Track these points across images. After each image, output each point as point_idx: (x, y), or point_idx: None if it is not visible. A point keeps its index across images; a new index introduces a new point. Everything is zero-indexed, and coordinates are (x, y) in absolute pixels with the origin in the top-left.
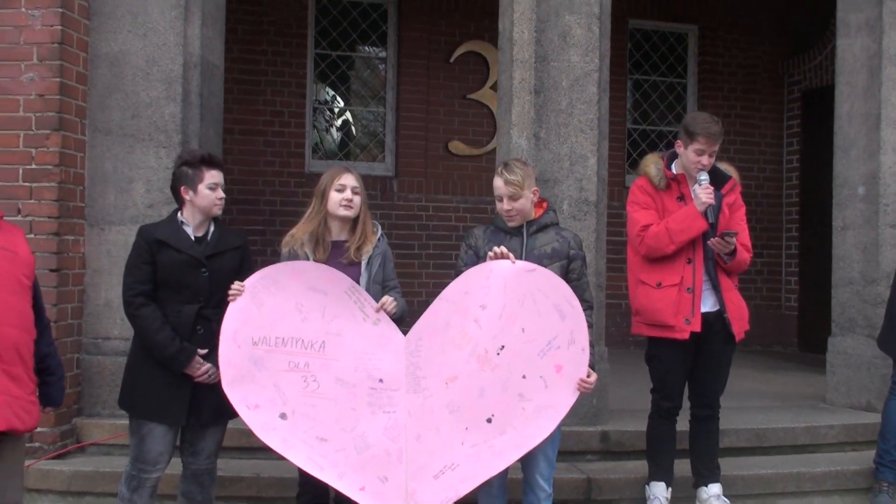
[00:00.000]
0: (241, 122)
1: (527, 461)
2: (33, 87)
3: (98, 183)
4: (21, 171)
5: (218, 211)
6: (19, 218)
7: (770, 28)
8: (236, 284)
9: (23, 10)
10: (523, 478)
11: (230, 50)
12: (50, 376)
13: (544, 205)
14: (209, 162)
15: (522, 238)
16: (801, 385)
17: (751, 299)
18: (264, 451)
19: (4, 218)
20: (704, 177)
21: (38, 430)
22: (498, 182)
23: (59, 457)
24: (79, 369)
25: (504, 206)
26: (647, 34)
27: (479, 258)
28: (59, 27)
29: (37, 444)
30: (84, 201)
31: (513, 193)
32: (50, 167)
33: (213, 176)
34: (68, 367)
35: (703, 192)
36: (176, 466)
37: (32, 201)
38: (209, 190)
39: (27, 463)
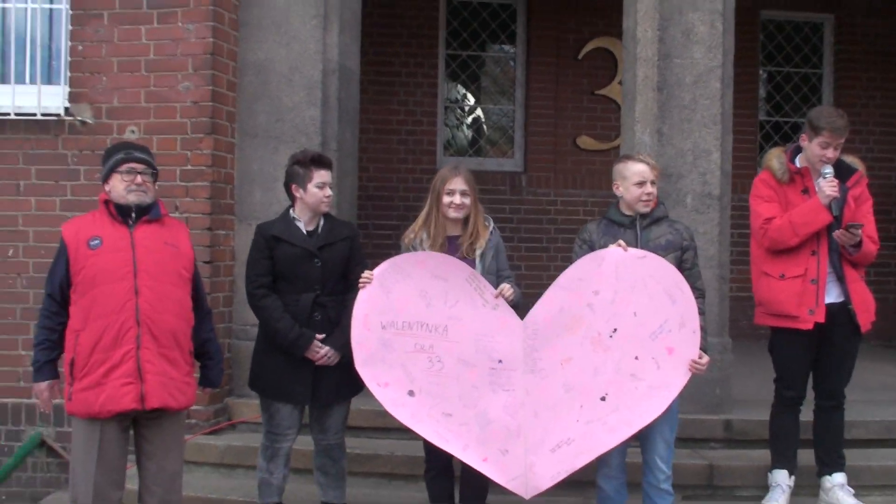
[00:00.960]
0: (376, 121)
1: (646, 443)
2: (189, 96)
3: (246, 182)
4: (178, 172)
5: (325, 208)
6: (177, 214)
7: None
8: (366, 273)
9: (179, 24)
10: (643, 459)
11: (365, 53)
12: (209, 360)
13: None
14: (318, 162)
15: (636, 231)
16: None
17: (891, 293)
18: (398, 430)
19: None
20: (829, 170)
21: (195, 408)
22: (641, 167)
23: (213, 433)
24: (229, 353)
25: (647, 188)
26: (780, 25)
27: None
28: (211, 39)
29: (193, 421)
30: (233, 199)
31: (655, 178)
32: (203, 168)
33: (322, 175)
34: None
35: (826, 186)
36: (310, 444)
37: (188, 199)
38: (317, 188)
39: (185, 438)
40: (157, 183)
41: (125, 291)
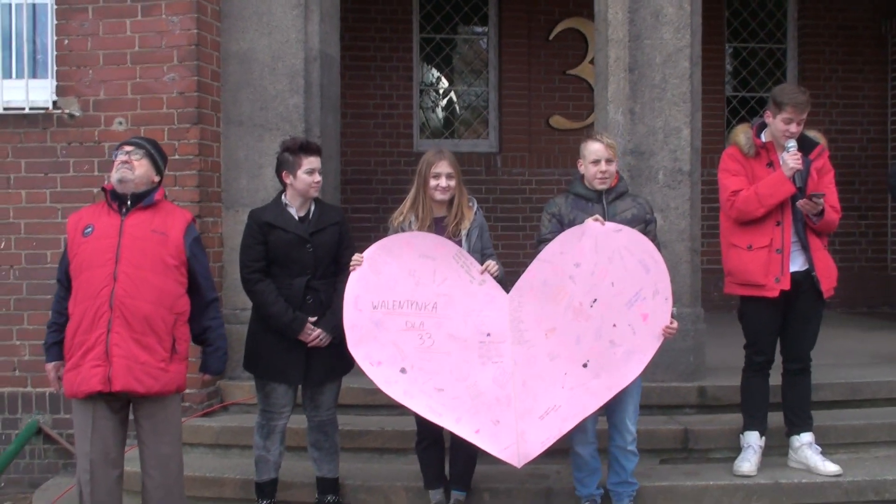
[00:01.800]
0: (353, 105)
1: (616, 407)
2: (175, 86)
3: (232, 169)
4: None
5: (315, 193)
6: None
7: None
8: (356, 256)
9: (163, 16)
10: (610, 424)
11: (341, 38)
12: (208, 347)
13: (617, 176)
14: (307, 149)
15: (603, 205)
16: None
17: (855, 261)
18: (387, 407)
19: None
20: (792, 144)
21: (188, 391)
22: (596, 146)
23: (206, 415)
24: None
25: (601, 167)
26: (745, 1)
27: (562, 226)
28: (196, 31)
29: (187, 404)
30: (220, 186)
31: (610, 156)
32: (191, 157)
33: (311, 162)
34: None
35: (790, 159)
36: (303, 423)
37: (177, 188)
38: (307, 174)
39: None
40: None
41: (104, 277)
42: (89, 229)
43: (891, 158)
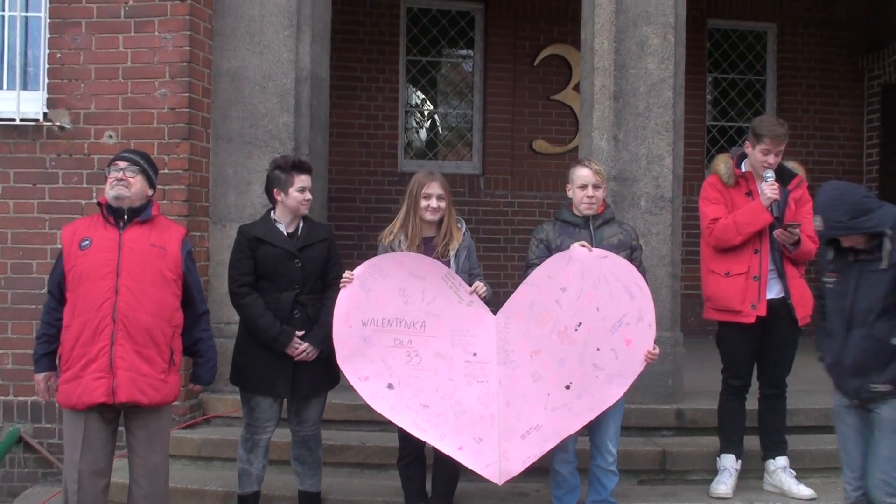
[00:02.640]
0: (339, 125)
1: (598, 428)
2: (166, 102)
3: (220, 185)
4: None
5: (305, 210)
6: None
7: (848, 23)
8: (346, 274)
9: (156, 33)
10: (592, 444)
11: (329, 59)
12: (199, 358)
13: (603, 203)
14: (299, 167)
15: (590, 231)
16: None
17: None
18: (369, 422)
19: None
20: (770, 174)
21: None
22: (584, 171)
23: (188, 427)
24: None
25: (588, 192)
26: (726, 34)
27: (550, 251)
28: (188, 48)
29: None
30: (209, 201)
31: (598, 182)
32: (180, 172)
33: (303, 180)
34: None
35: (768, 189)
36: (287, 436)
37: (166, 202)
38: (298, 192)
39: None
40: None
41: (106, 290)
42: (86, 242)
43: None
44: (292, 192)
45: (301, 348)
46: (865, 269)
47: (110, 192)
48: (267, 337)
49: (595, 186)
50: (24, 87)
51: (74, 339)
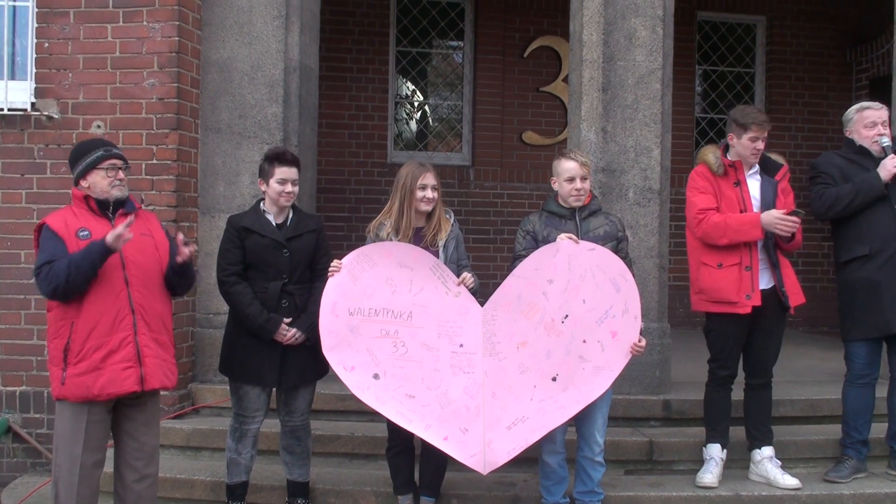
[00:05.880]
0: (329, 115)
1: (585, 419)
2: (154, 92)
3: (209, 176)
4: (144, 166)
5: (285, 203)
6: (142, 207)
7: (837, 16)
8: (335, 262)
9: (144, 23)
10: (579, 435)
11: (318, 49)
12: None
13: (589, 194)
14: (279, 159)
15: (576, 222)
16: None
17: (817, 281)
18: (357, 413)
19: None
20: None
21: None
22: (571, 164)
23: (177, 417)
24: (193, 341)
25: (577, 185)
26: (715, 26)
27: (537, 242)
28: (177, 38)
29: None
30: (197, 192)
31: (585, 174)
32: (168, 162)
33: (283, 172)
34: (184, 339)
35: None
36: (276, 426)
37: (154, 192)
38: (278, 184)
39: None
40: None
41: (118, 281)
42: (85, 232)
43: None
44: (272, 183)
45: (289, 335)
46: None
47: (112, 191)
48: (255, 325)
49: (583, 178)
50: (12, 76)
51: (88, 330)
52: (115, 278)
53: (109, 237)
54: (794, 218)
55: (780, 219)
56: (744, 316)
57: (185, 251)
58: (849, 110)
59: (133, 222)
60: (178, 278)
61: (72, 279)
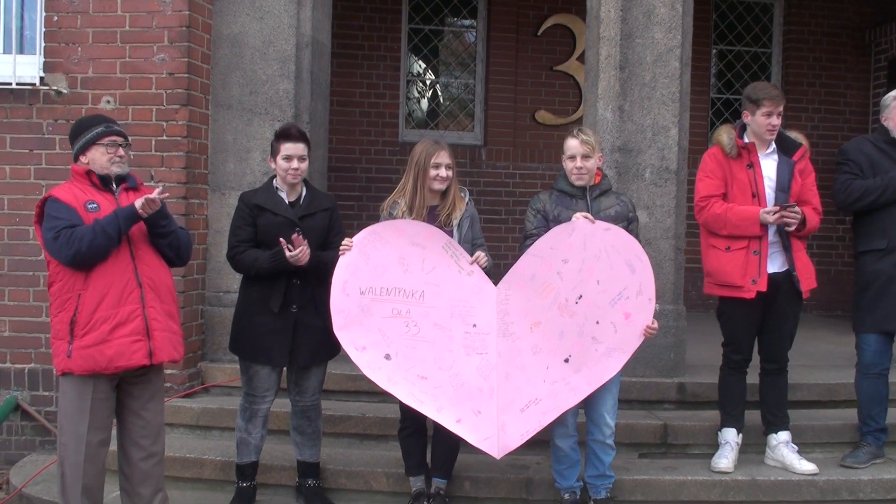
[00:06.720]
0: (340, 93)
1: (595, 401)
2: (164, 67)
3: (220, 152)
4: (154, 142)
5: (292, 180)
6: (152, 183)
7: None
8: (346, 241)
9: None
10: (588, 418)
11: (331, 25)
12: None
13: (599, 173)
14: (286, 135)
15: (587, 201)
16: None
17: (832, 264)
18: (368, 393)
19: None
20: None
21: (169, 371)
22: (573, 142)
23: (186, 396)
24: (202, 319)
25: (577, 163)
26: (732, 5)
27: (547, 221)
28: (187, 12)
29: (168, 385)
30: (207, 169)
31: (586, 153)
32: (178, 138)
33: (287, 149)
34: (193, 318)
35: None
36: (286, 406)
37: (164, 168)
38: (283, 161)
39: None
40: (133, 152)
41: (124, 254)
42: (94, 205)
43: None
44: (279, 160)
45: (296, 251)
46: None
47: (112, 167)
48: (266, 264)
49: (585, 157)
50: (21, 50)
51: (96, 302)
52: (121, 251)
53: (138, 203)
54: (790, 213)
55: (774, 217)
56: (754, 300)
57: (150, 198)
58: (886, 96)
59: (164, 190)
60: (159, 239)
61: (96, 243)
